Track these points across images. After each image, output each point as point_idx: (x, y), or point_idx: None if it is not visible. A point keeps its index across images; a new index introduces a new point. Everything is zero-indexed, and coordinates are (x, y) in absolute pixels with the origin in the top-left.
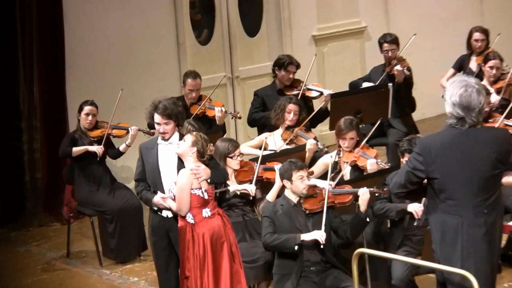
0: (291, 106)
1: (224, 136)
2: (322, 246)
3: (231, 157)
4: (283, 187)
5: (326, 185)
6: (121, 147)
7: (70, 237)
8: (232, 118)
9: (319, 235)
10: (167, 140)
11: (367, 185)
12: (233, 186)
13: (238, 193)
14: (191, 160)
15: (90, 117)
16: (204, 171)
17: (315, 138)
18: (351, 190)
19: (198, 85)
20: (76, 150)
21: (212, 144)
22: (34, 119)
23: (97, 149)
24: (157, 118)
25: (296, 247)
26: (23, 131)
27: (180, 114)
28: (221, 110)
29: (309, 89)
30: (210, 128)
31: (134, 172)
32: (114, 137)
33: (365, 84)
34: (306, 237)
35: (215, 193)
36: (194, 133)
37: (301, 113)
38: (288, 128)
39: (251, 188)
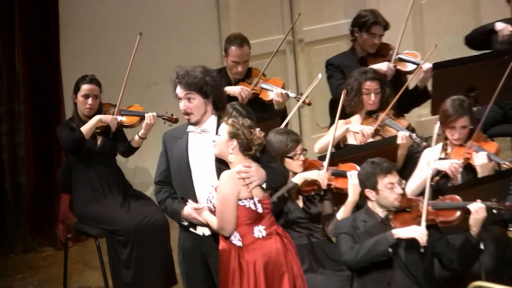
0: (369, 84)
1: (284, 123)
2: (422, 250)
3: (291, 157)
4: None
5: (425, 194)
6: (133, 141)
7: (68, 267)
8: (300, 105)
9: (418, 232)
10: (196, 124)
11: (482, 196)
12: (293, 180)
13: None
14: (235, 160)
15: (90, 100)
16: (257, 174)
17: (409, 128)
18: (459, 204)
19: (246, 55)
20: (88, 126)
21: (259, 129)
22: (16, 101)
23: (111, 120)
24: (178, 89)
25: (390, 249)
26: (1, 118)
27: (213, 88)
28: (281, 93)
29: (402, 60)
30: (263, 113)
31: (155, 173)
32: (125, 127)
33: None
34: (401, 233)
35: (272, 203)
36: (229, 120)
37: (384, 90)
38: (370, 113)
39: (321, 177)
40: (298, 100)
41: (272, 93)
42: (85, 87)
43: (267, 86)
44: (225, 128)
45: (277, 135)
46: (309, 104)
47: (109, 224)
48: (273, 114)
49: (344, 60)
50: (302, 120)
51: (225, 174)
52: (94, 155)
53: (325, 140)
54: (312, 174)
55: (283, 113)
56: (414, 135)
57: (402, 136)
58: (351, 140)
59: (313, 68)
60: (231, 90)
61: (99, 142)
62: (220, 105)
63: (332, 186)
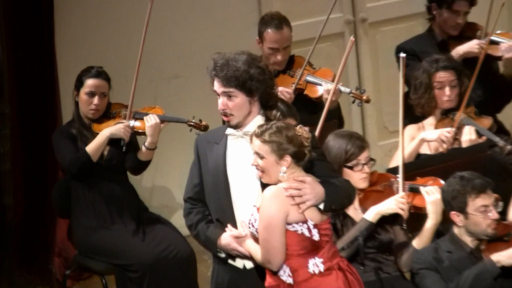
0: (441, 75)
1: (341, 128)
2: None
3: (351, 167)
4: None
5: None
6: (140, 153)
7: None
8: (353, 101)
9: None
10: (237, 127)
11: None
12: (372, 210)
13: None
14: (283, 175)
15: (96, 99)
16: (312, 190)
17: (492, 129)
18: None
19: (286, 39)
20: (94, 145)
21: (304, 129)
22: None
23: (123, 131)
24: (215, 84)
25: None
26: None
27: (260, 83)
28: (329, 89)
29: (493, 42)
30: (311, 115)
31: (185, 188)
32: (139, 134)
33: None
34: (506, 259)
35: (341, 250)
36: (262, 136)
37: (461, 81)
38: (446, 113)
39: (402, 206)
40: (354, 97)
41: (321, 88)
42: (90, 82)
43: (315, 80)
44: (264, 148)
45: (336, 138)
46: (367, 101)
47: (119, 258)
48: (328, 115)
49: (420, 45)
50: (366, 122)
51: (269, 190)
52: (99, 170)
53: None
54: (389, 206)
55: (337, 114)
56: (497, 138)
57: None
58: (424, 149)
59: (379, 55)
60: None
61: (105, 153)
62: (270, 103)
63: (410, 204)
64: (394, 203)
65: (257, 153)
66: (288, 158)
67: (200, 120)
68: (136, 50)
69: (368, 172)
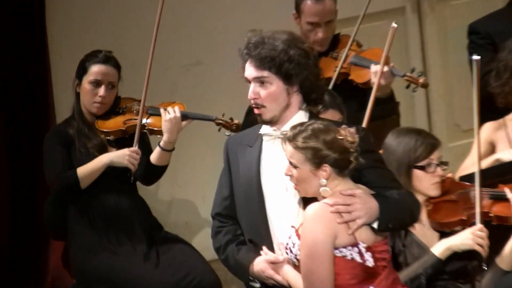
0: None
1: (366, 120)
2: None
3: (422, 168)
4: None
5: None
6: (153, 155)
7: None
8: (407, 86)
9: None
10: (273, 124)
11: None
12: (447, 242)
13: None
14: (325, 189)
15: (102, 90)
16: (363, 205)
17: None
18: None
19: (329, 12)
20: (87, 170)
21: (349, 130)
22: None
23: (128, 158)
24: (247, 68)
25: None
26: None
27: (301, 68)
28: (381, 71)
29: None
30: (361, 108)
31: (213, 202)
32: (153, 133)
33: None
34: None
35: (391, 248)
36: (295, 141)
37: None
38: None
39: (479, 240)
40: (408, 80)
41: (369, 70)
42: (96, 69)
43: (361, 61)
44: (297, 155)
45: (400, 136)
46: (424, 85)
47: (127, 286)
48: (383, 110)
49: (497, 24)
50: (432, 118)
51: (311, 209)
52: (103, 179)
53: (469, 164)
54: (463, 241)
55: (394, 107)
56: None
57: None
58: (503, 145)
59: (449, 36)
60: None
61: None
62: (314, 95)
63: (490, 214)
64: (471, 237)
65: (289, 161)
66: (327, 168)
67: (232, 119)
68: (147, 32)
69: (441, 175)
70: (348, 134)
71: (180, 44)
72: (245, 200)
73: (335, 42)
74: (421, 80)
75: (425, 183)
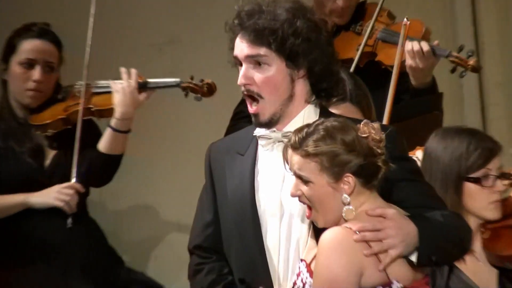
0: None
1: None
2: None
3: (478, 180)
4: None
5: None
6: (103, 142)
7: None
8: (452, 69)
9: None
10: (271, 124)
11: None
12: None
13: None
14: (348, 209)
15: (37, 72)
16: (397, 230)
17: None
18: None
19: None
20: (4, 202)
21: (373, 125)
22: None
23: (57, 196)
24: (237, 44)
25: None
26: None
27: (311, 46)
28: (420, 50)
29: None
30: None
31: (191, 231)
32: (102, 116)
33: None
34: None
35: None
36: (308, 135)
37: None
38: None
39: None
40: (454, 62)
41: (405, 48)
42: (28, 46)
43: (392, 36)
44: (308, 165)
45: (447, 138)
46: (474, 68)
47: None
48: (422, 105)
49: None
50: (488, 116)
51: (329, 235)
52: (36, 189)
53: None
54: None
55: (438, 101)
56: None
57: None
58: None
59: (510, 6)
60: None
61: (47, 161)
62: (325, 84)
63: None
64: None
65: (298, 176)
66: (350, 179)
67: (202, 80)
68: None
69: (502, 191)
70: (372, 131)
71: (150, 18)
72: (235, 226)
73: (360, 12)
74: (471, 62)
75: (481, 201)
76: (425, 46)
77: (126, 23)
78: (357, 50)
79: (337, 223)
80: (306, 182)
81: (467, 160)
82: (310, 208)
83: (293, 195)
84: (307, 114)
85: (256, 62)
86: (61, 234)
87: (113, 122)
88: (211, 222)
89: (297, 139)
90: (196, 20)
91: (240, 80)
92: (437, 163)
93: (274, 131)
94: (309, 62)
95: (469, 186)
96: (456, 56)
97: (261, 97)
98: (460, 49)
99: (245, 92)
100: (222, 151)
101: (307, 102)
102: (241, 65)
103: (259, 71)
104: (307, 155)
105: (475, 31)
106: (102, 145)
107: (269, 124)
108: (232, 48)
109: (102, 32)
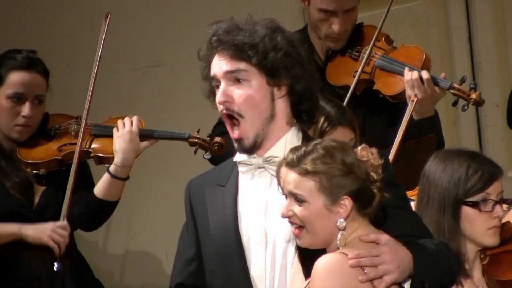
0: None
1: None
2: None
3: (476, 204)
4: None
5: None
6: (99, 186)
7: None
8: (454, 102)
9: None
10: (253, 149)
11: None
12: None
13: None
14: (342, 234)
15: (27, 107)
16: (393, 256)
17: None
18: None
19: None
20: None
21: (371, 150)
22: None
23: (50, 234)
24: (215, 62)
25: None
26: None
27: (293, 61)
28: (419, 78)
29: None
30: (392, 123)
31: (172, 269)
32: (99, 163)
33: None
34: None
35: None
36: (307, 154)
37: None
38: None
39: None
40: (456, 95)
41: (404, 77)
42: (16, 78)
43: (391, 64)
44: (306, 184)
45: (446, 160)
46: (477, 102)
47: None
48: (418, 127)
49: None
50: (485, 137)
51: (323, 262)
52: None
53: None
54: None
55: (435, 125)
56: None
57: None
58: None
59: (506, 19)
60: None
61: (37, 198)
62: (305, 105)
63: None
64: None
65: (293, 195)
66: (347, 201)
67: (211, 136)
68: (88, 22)
69: (501, 217)
70: (371, 156)
71: (132, 41)
72: (218, 259)
73: (357, 36)
74: (473, 95)
75: (479, 227)
76: (425, 74)
77: (109, 46)
78: (354, 76)
79: (323, 245)
80: (300, 201)
81: (466, 184)
82: (300, 228)
83: (283, 216)
84: (289, 139)
85: (236, 78)
86: (47, 271)
87: (112, 168)
88: (193, 258)
89: (294, 157)
90: (179, 43)
91: (219, 98)
92: (435, 185)
93: (255, 157)
94: (290, 79)
95: (467, 211)
96: (458, 89)
97: (241, 116)
98: (462, 81)
99: (224, 111)
100: (202, 185)
101: (289, 125)
102: (218, 87)
103: (239, 88)
104: (305, 173)
105: (470, 50)
106: (99, 190)
107: (253, 148)
108: (205, 78)
109: (84, 55)
